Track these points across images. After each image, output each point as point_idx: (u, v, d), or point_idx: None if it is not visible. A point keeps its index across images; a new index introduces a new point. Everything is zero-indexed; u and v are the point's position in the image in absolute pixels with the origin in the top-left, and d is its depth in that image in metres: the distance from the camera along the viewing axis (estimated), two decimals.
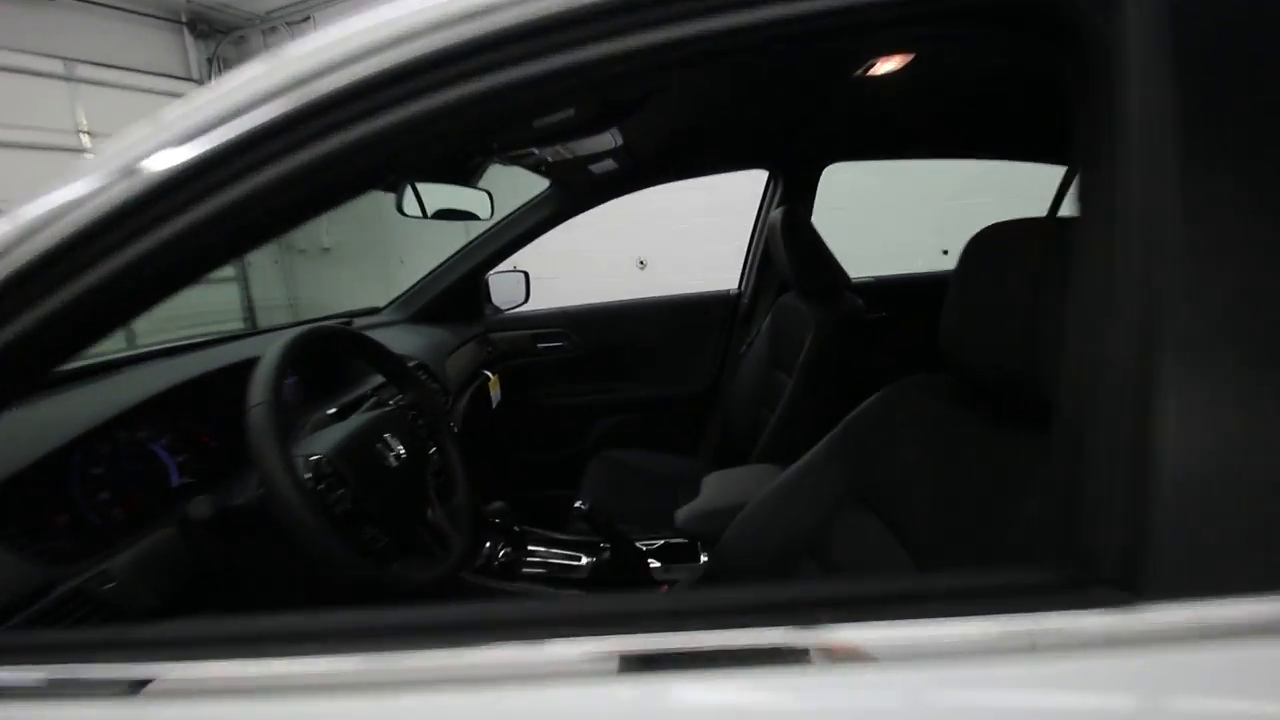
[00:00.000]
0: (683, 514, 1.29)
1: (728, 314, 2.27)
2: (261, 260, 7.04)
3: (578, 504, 1.27)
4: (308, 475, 0.76)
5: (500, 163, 1.54)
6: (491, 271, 2.18)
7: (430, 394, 1.08)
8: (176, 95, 6.70)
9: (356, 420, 0.92)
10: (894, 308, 1.99)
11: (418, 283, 2.12)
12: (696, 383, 2.28)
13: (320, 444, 0.82)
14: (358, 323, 1.83)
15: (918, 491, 0.77)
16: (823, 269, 1.58)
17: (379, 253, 6.59)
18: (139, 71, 6.32)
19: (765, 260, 2.14)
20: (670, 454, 2.06)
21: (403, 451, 0.92)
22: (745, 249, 2.29)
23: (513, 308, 2.31)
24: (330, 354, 1.22)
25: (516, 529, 1.40)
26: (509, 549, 1.46)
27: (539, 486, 2.29)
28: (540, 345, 2.27)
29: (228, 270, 6.92)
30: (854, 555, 0.90)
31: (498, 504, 1.40)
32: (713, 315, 2.28)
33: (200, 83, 6.96)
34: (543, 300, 2.34)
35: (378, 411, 0.97)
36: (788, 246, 1.58)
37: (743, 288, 2.30)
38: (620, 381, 2.30)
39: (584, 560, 1.47)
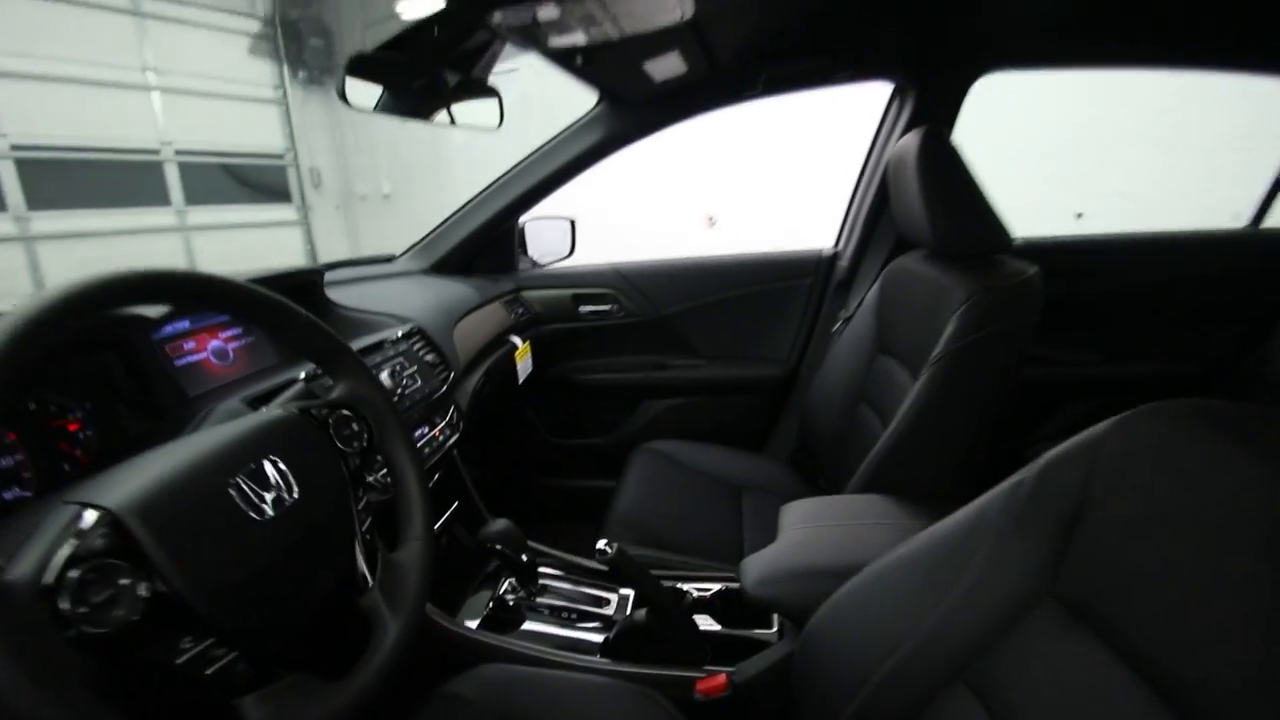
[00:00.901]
0: (755, 571, 0.88)
1: (818, 280, 1.79)
2: (323, 205, 6.95)
3: (602, 545, 0.88)
4: (64, 553, 0.40)
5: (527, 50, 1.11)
6: (528, 216, 1.78)
7: (370, 384, 0.70)
8: (243, 33, 6.59)
9: (212, 437, 0.54)
10: (1084, 285, 1.45)
11: (439, 226, 1.75)
12: (772, 364, 1.83)
13: (117, 487, 0.45)
14: (346, 273, 1.48)
15: (1193, 606, 0.43)
16: (978, 220, 1.09)
17: (440, 199, 6.34)
18: (206, 8, 6.20)
19: (878, 208, 1.63)
20: (731, 450, 1.63)
21: (289, 488, 0.55)
22: (847, 203, 1.79)
23: (553, 262, 1.91)
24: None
25: (524, 558, 1.03)
26: (516, 586, 1.09)
27: (568, 474, 1.93)
28: (583, 309, 1.86)
29: (290, 214, 6.88)
30: (1053, 700, 0.49)
31: (500, 524, 1.03)
32: (798, 281, 1.80)
33: (267, 20, 6.80)
34: (589, 255, 1.93)
35: (259, 419, 0.60)
36: (926, 186, 1.09)
37: (840, 246, 1.81)
38: (677, 357, 1.88)
39: (614, 599, 1.09)
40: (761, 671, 0.89)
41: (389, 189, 6.63)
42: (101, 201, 5.47)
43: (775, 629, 1.01)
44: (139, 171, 5.79)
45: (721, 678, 0.87)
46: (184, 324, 0.94)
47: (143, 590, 0.43)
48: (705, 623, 1.03)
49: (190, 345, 0.95)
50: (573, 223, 1.91)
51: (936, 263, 1.18)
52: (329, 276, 1.42)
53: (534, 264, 1.90)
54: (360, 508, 0.65)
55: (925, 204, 1.10)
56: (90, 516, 0.43)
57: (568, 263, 1.92)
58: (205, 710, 0.46)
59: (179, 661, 0.44)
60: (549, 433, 1.91)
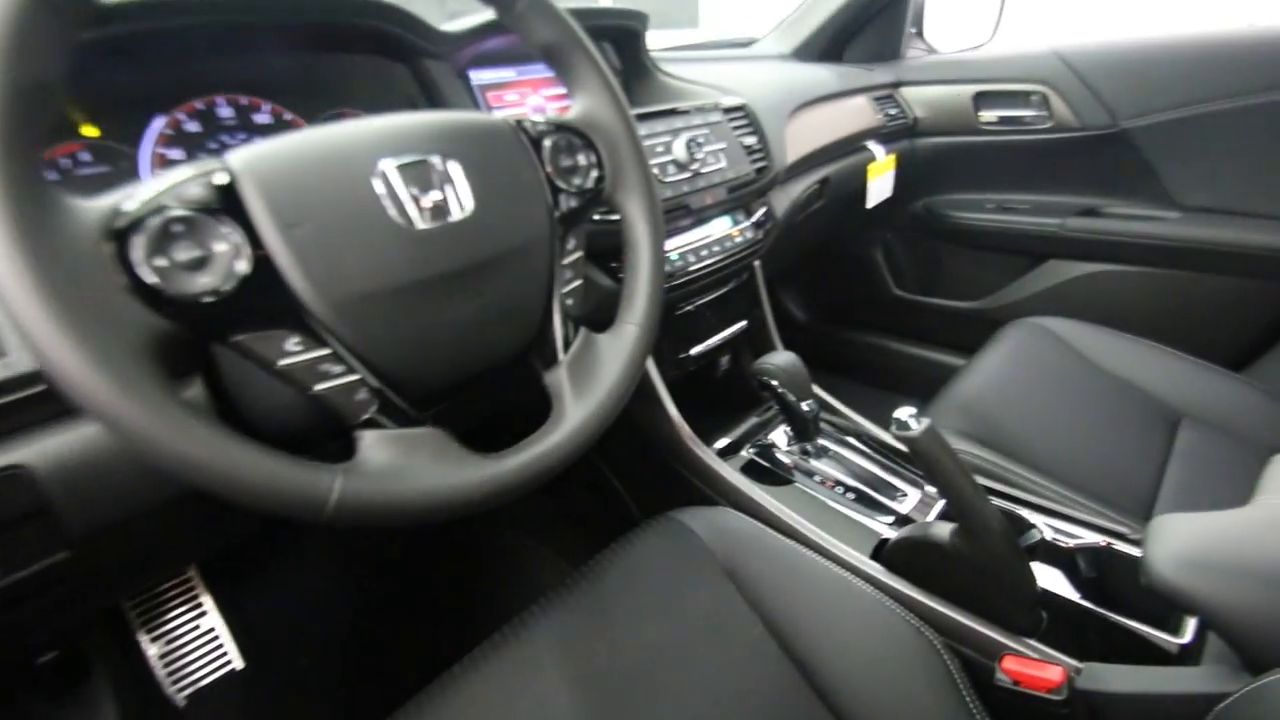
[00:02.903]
0: (1178, 542, 0.48)
1: None
2: None
3: (904, 414, 0.58)
4: (145, 192, 0.33)
5: None
6: None
7: (613, 105, 0.51)
8: None
9: (380, 118, 0.42)
10: None
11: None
12: None
13: (251, 150, 0.37)
14: (693, 53, 1.28)
15: None
16: None
17: None
18: None
19: None
20: (1178, 356, 1.03)
21: (458, 202, 0.41)
22: None
23: (963, 50, 1.38)
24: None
25: (805, 406, 0.81)
26: (791, 438, 0.89)
27: (906, 338, 1.53)
28: (985, 114, 1.32)
29: None
30: None
31: (782, 356, 0.81)
32: None
33: None
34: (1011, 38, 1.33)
35: (448, 114, 0.46)
36: None
37: None
38: (1129, 200, 1.22)
39: (914, 496, 0.80)
40: (1133, 695, 0.52)
41: None
42: None
43: (1187, 639, 0.59)
44: None
45: (1056, 672, 0.53)
46: (509, 70, 0.90)
47: (242, 263, 0.34)
48: (1052, 580, 0.67)
49: (511, 97, 0.90)
50: None
51: None
52: (673, 54, 1.26)
53: (929, 50, 1.41)
54: (566, 262, 0.49)
55: None
56: (204, 165, 0.35)
57: (983, 50, 1.36)
58: (310, 432, 0.39)
59: (281, 364, 0.36)
60: (894, 281, 1.53)
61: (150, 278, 0.32)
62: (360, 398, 0.39)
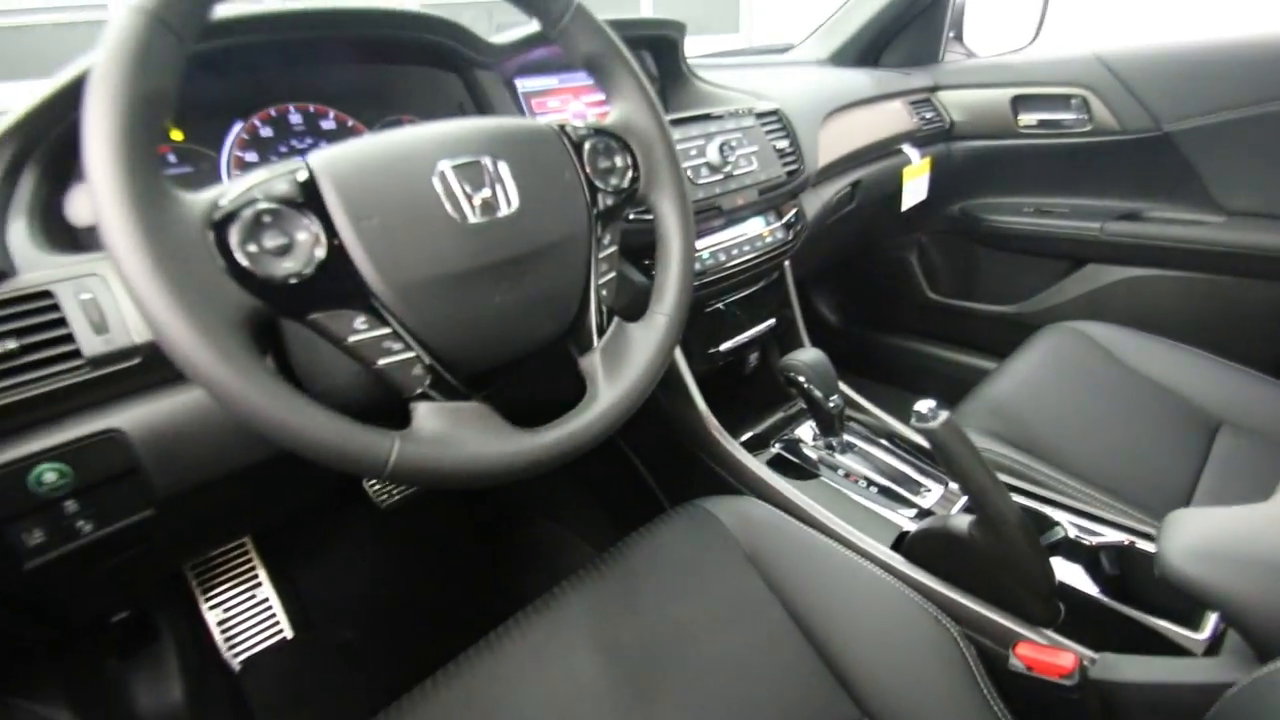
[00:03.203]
0: (1190, 534, 0.49)
1: None
2: None
3: (924, 405, 0.60)
4: (240, 187, 0.38)
5: None
6: None
7: (648, 110, 0.54)
8: None
9: (440, 124, 0.47)
10: None
11: (847, 0, 1.40)
12: None
13: (327, 152, 0.42)
14: (730, 59, 1.31)
15: None
16: None
17: None
18: None
19: None
20: (1219, 362, 1.01)
21: (506, 199, 0.46)
22: None
23: (1003, 53, 1.38)
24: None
25: (831, 402, 0.83)
26: (817, 434, 0.91)
27: (939, 341, 1.52)
28: (1025, 117, 1.32)
29: None
30: None
31: (810, 353, 0.83)
32: None
33: None
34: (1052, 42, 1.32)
35: (499, 119, 0.50)
36: None
37: None
38: (1172, 204, 1.20)
39: (937, 490, 0.82)
40: (1145, 685, 0.53)
41: None
42: None
43: (1206, 635, 0.59)
44: None
45: (1069, 658, 0.54)
46: (551, 79, 0.94)
47: (320, 250, 0.39)
48: (1072, 575, 0.68)
49: (554, 103, 0.95)
50: None
51: None
52: (711, 61, 1.29)
53: (968, 54, 1.41)
54: (602, 255, 0.53)
55: None
56: (287, 165, 0.40)
57: (1023, 54, 1.36)
58: (373, 402, 0.44)
59: (349, 340, 0.41)
60: (929, 285, 1.53)
61: (244, 261, 0.37)
62: (416, 373, 0.43)
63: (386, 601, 1.11)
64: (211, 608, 1.03)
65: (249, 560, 1.07)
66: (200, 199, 0.37)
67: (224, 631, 1.02)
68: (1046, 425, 0.91)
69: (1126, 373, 1.00)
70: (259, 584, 1.05)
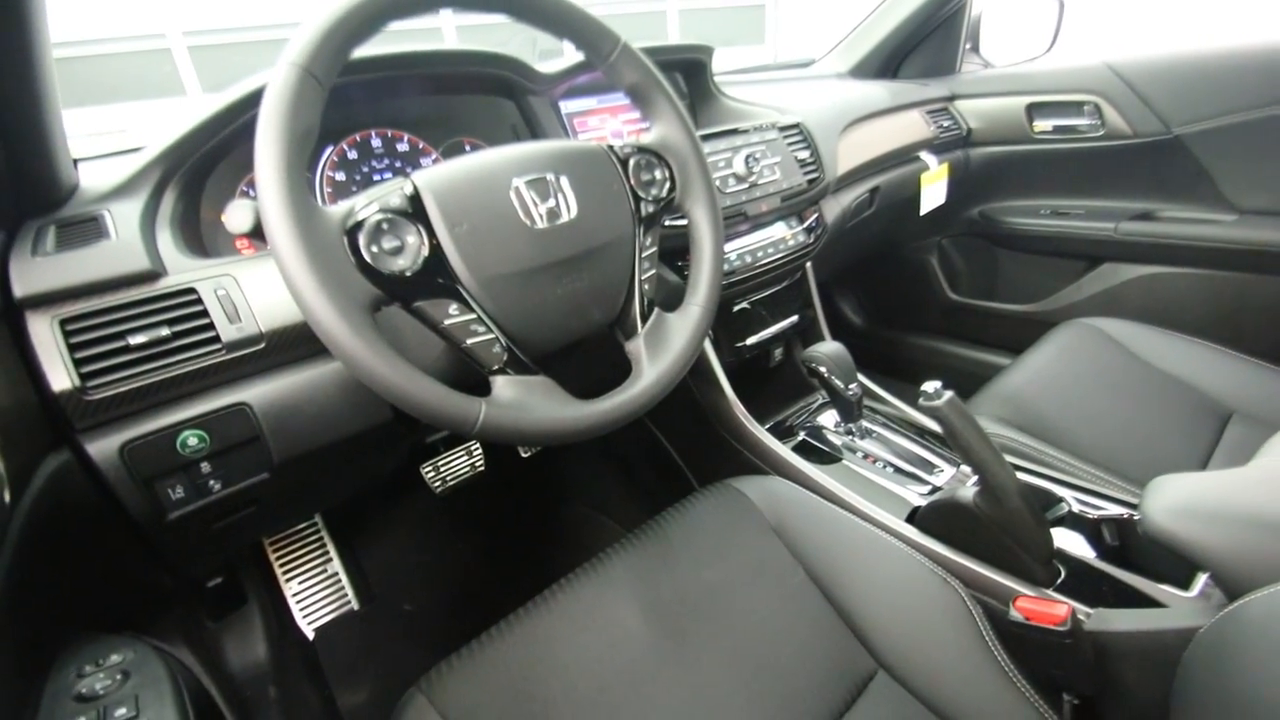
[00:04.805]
0: (1172, 494, 0.56)
1: None
2: None
3: (931, 385, 0.67)
4: (364, 201, 0.48)
5: None
6: None
7: (682, 130, 0.63)
8: None
9: (514, 146, 0.57)
10: None
11: (866, 17, 1.48)
12: None
13: (427, 172, 0.52)
14: (755, 75, 1.39)
15: None
16: None
17: None
18: None
19: None
20: (1230, 354, 1.05)
21: (567, 206, 0.55)
22: None
23: (1019, 62, 1.44)
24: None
25: (850, 390, 0.90)
26: (838, 421, 0.99)
27: (959, 339, 1.58)
28: (1039, 124, 1.38)
29: None
30: None
31: (830, 346, 0.91)
32: None
33: None
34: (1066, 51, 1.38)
35: (561, 142, 0.60)
36: None
37: None
38: (1185, 204, 1.25)
39: (949, 470, 0.89)
40: (1133, 633, 0.59)
41: None
42: None
43: (1195, 593, 0.65)
44: None
45: (1062, 609, 0.61)
46: (591, 100, 1.04)
47: (424, 251, 0.49)
48: (1073, 543, 0.74)
49: (594, 122, 1.05)
50: (1062, 2, 1.37)
51: None
52: (736, 77, 1.38)
53: (984, 65, 1.47)
54: (645, 255, 0.62)
55: None
56: (396, 183, 0.51)
57: (1039, 63, 1.41)
58: (462, 373, 0.53)
59: (445, 324, 0.51)
60: (949, 286, 1.58)
61: (369, 259, 0.47)
62: (495, 351, 0.53)
63: (440, 576, 1.21)
64: (288, 580, 1.14)
65: (320, 539, 1.19)
66: (337, 211, 0.47)
67: (299, 601, 1.13)
68: (1058, 412, 0.96)
69: (1139, 365, 1.05)
70: (329, 559, 1.16)
